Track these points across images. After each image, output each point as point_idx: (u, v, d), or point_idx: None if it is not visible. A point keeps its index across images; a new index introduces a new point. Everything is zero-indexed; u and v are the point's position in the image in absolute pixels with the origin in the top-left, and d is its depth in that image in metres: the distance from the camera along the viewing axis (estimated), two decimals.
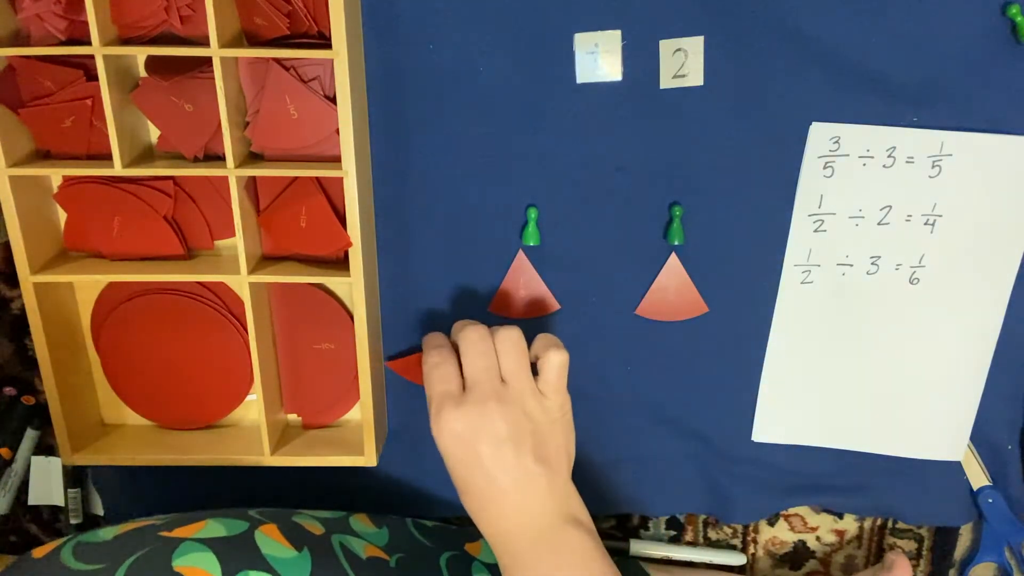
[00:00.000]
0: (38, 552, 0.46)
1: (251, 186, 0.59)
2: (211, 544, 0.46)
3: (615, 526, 0.73)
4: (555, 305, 0.64)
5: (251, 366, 0.60)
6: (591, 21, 0.56)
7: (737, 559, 0.73)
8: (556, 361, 0.53)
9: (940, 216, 0.60)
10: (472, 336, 0.53)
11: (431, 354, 0.54)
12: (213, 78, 0.53)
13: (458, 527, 0.67)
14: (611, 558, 0.53)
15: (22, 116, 0.57)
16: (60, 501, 0.72)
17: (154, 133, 0.60)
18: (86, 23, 0.52)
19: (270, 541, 0.48)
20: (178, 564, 0.44)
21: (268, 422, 0.62)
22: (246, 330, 0.60)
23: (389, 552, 0.55)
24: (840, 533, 0.73)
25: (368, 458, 0.62)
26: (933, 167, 0.59)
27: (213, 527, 0.48)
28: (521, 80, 0.58)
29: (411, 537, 0.59)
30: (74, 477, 0.71)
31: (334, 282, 0.63)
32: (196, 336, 0.63)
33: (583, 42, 0.57)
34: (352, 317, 0.59)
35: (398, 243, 0.62)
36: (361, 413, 0.62)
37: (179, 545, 0.45)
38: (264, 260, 0.61)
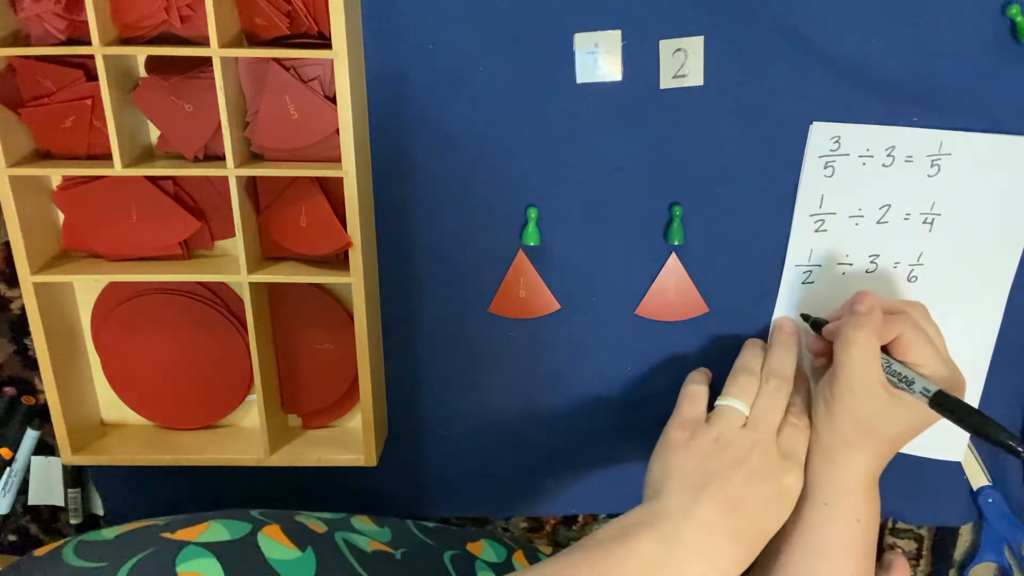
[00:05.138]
0: (40, 551, 0.46)
1: (251, 186, 0.59)
2: (214, 549, 0.46)
3: None
4: (555, 305, 0.64)
5: (251, 366, 0.60)
6: (591, 21, 0.56)
7: None
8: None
9: (939, 215, 0.60)
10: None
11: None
12: (213, 78, 0.53)
13: (458, 527, 0.67)
14: None
15: (22, 116, 0.57)
16: (60, 501, 0.72)
17: (154, 133, 0.60)
18: (86, 23, 0.52)
19: (273, 543, 0.48)
20: (181, 569, 0.44)
21: (268, 422, 0.62)
22: (246, 330, 0.60)
23: (393, 547, 0.55)
24: None
25: (368, 458, 0.62)
26: (932, 166, 0.59)
27: (216, 530, 0.48)
28: (521, 80, 0.58)
29: (413, 535, 0.59)
30: (74, 477, 0.71)
31: (334, 282, 0.63)
32: (196, 336, 0.63)
33: (583, 42, 0.57)
34: (352, 317, 0.59)
35: (398, 243, 0.62)
36: (361, 413, 0.62)
37: (182, 549, 0.45)
38: (264, 260, 0.61)
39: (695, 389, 0.58)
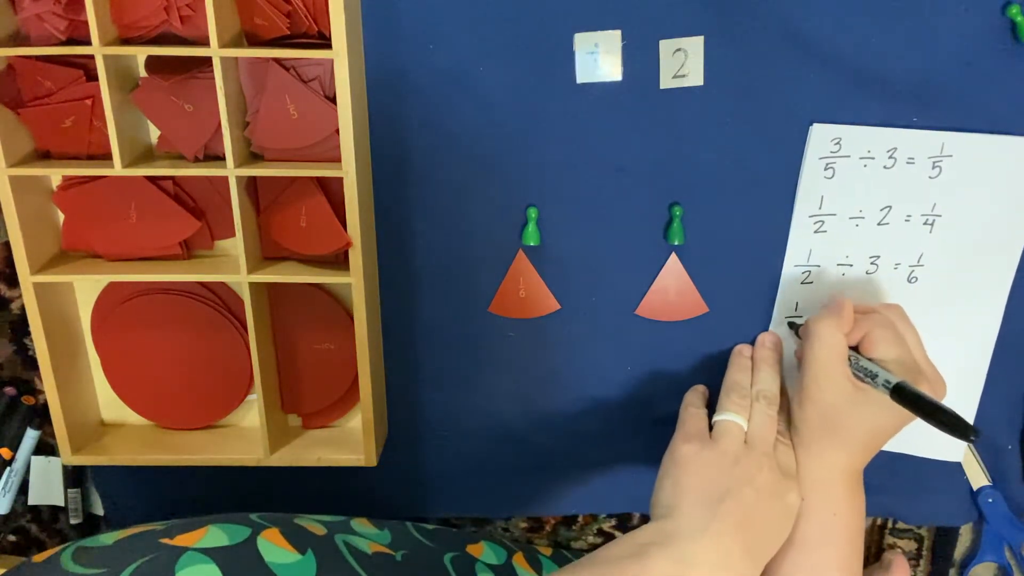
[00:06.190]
0: (38, 557, 0.46)
1: (251, 186, 0.59)
2: (213, 554, 0.46)
3: (615, 526, 0.73)
4: (555, 305, 0.64)
5: (251, 366, 0.60)
6: (591, 21, 0.56)
7: None
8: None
9: (939, 216, 0.60)
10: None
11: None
12: (213, 78, 0.53)
13: (458, 529, 0.67)
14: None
15: (22, 116, 0.57)
16: (60, 501, 0.72)
17: (154, 133, 0.60)
18: (86, 23, 0.52)
19: (272, 547, 0.48)
20: (181, 575, 0.44)
21: (268, 422, 0.62)
22: (246, 330, 0.60)
23: (393, 549, 0.55)
24: None
25: (368, 458, 0.62)
26: (933, 167, 0.59)
27: (215, 535, 0.48)
28: (521, 80, 0.58)
29: (413, 538, 0.59)
30: (74, 477, 0.71)
31: (334, 282, 0.63)
32: (196, 336, 0.63)
33: (583, 42, 0.57)
34: (352, 317, 0.59)
35: (398, 243, 0.62)
36: (361, 413, 0.62)
37: (181, 555, 0.45)
38: (264, 260, 0.61)
39: (694, 411, 0.59)
